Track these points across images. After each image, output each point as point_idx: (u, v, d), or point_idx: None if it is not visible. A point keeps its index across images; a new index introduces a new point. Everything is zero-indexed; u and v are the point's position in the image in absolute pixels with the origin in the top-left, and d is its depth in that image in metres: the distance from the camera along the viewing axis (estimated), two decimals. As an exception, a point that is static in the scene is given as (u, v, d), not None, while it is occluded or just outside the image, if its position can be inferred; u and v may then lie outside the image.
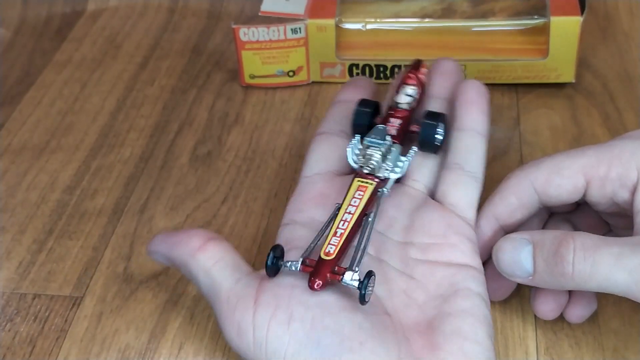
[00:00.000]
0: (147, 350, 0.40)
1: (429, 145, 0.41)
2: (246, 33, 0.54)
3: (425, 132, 0.40)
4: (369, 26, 0.56)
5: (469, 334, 0.35)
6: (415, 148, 0.40)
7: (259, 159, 0.51)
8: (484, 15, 0.56)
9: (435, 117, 0.41)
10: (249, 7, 0.62)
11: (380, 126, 0.40)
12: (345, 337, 0.34)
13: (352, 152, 0.40)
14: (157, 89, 0.57)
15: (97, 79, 0.59)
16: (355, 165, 0.39)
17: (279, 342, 0.34)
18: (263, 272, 0.36)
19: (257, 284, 0.36)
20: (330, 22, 0.54)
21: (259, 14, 0.55)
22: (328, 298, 0.35)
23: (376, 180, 0.38)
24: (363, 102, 0.42)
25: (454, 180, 0.40)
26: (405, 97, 0.42)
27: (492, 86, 0.54)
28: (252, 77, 0.56)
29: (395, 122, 0.41)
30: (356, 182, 0.38)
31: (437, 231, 0.38)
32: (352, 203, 0.37)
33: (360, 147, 0.40)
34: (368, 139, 0.39)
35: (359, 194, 0.37)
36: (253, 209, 0.47)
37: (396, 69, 0.55)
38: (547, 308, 0.39)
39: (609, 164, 0.37)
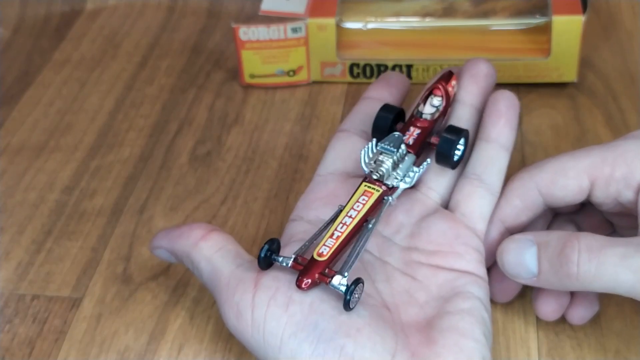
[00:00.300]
0: (147, 351, 0.40)
1: (446, 160, 0.40)
2: (246, 32, 0.54)
3: (443, 146, 0.40)
4: (369, 25, 0.56)
5: (466, 331, 0.35)
6: (429, 160, 0.40)
7: (258, 159, 0.51)
8: (485, 15, 0.55)
9: (456, 132, 0.40)
10: (249, 6, 0.61)
11: (397, 133, 0.40)
12: (343, 323, 0.34)
13: (365, 156, 0.39)
14: (157, 89, 0.57)
15: (96, 79, 0.58)
16: (366, 170, 0.39)
17: (277, 324, 0.34)
18: None
19: (258, 269, 0.36)
20: (331, 21, 0.54)
21: (259, 13, 0.55)
22: (328, 288, 0.35)
23: (383, 187, 0.38)
24: (385, 108, 0.41)
25: (470, 191, 0.40)
26: (430, 107, 0.41)
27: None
28: (252, 76, 0.56)
29: (414, 132, 0.40)
30: (363, 187, 0.38)
31: (443, 240, 0.38)
32: (354, 207, 0.37)
33: (374, 151, 0.39)
34: (382, 145, 0.39)
35: (363, 199, 0.37)
36: (253, 210, 0.47)
37: (397, 69, 0.55)
38: (548, 309, 0.39)
39: (613, 164, 0.37)
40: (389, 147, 0.39)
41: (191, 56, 0.60)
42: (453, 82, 0.42)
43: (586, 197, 0.38)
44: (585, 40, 0.52)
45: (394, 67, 0.55)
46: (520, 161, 0.49)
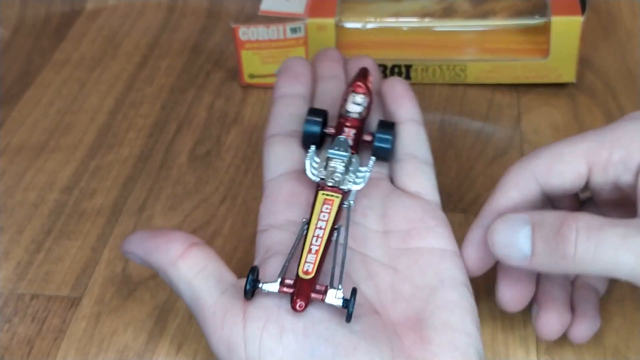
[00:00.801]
0: (146, 351, 0.40)
1: (384, 155, 0.41)
2: (246, 32, 0.54)
3: (380, 142, 0.40)
4: (369, 25, 0.56)
5: (458, 325, 0.34)
6: (374, 158, 0.40)
7: (258, 159, 0.51)
8: (484, 15, 0.55)
9: (388, 127, 0.41)
10: (248, 6, 0.61)
11: (342, 137, 0.40)
12: (339, 344, 0.33)
13: (310, 165, 0.39)
14: (156, 89, 0.57)
15: (96, 79, 0.58)
16: (315, 178, 0.38)
17: (273, 356, 0.33)
18: None
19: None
20: (330, 21, 0.54)
21: (259, 13, 0.55)
22: (317, 305, 0.34)
23: (340, 192, 0.38)
24: (313, 112, 0.41)
25: (412, 169, 0.40)
26: (356, 106, 0.41)
27: (492, 86, 0.55)
28: (252, 76, 0.56)
29: (349, 132, 0.40)
30: (321, 196, 0.37)
31: (414, 216, 0.38)
32: (321, 218, 0.36)
33: (318, 159, 0.39)
34: (331, 151, 0.39)
35: (327, 208, 0.37)
36: (252, 209, 0.47)
37: (396, 69, 0.55)
38: (550, 330, 0.38)
39: (611, 147, 0.36)
40: (340, 152, 0.39)
41: (191, 56, 0.60)
42: (371, 78, 0.43)
43: (584, 183, 0.37)
44: (585, 40, 0.52)
45: (393, 67, 0.55)
46: (520, 160, 0.49)
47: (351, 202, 0.38)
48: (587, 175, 0.37)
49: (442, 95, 0.55)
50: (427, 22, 0.56)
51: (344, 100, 0.42)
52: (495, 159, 0.50)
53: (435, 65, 0.54)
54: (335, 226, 0.36)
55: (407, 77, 0.55)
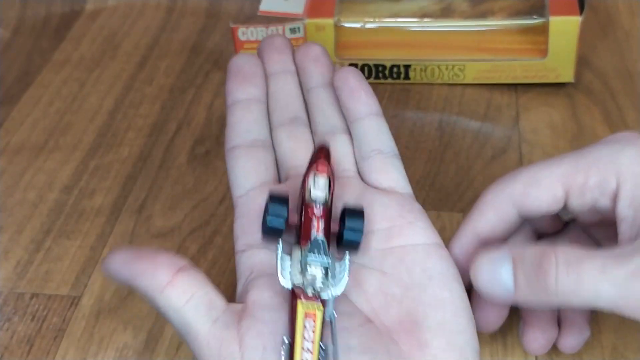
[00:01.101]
0: (145, 349, 0.40)
1: (355, 247, 0.36)
2: (245, 32, 0.54)
3: (351, 236, 0.36)
4: (368, 26, 0.56)
5: (452, 325, 0.34)
6: (348, 256, 0.35)
7: (257, 159, 0.51)
8: (483, 15, 0.56)
9: (358, 215, 0.36)
10: (248, 6, 0.62)
11: (319, 238, 0.34)
12: None
13: (281, 267, 0.34)
14: (156, 89, 0.57)
15: (96, 79, 0.58)
16: (288, 286, 0.34)
17: None
18: (239, 306, 0.34)
19: (237, 323, 0.34)
20: (329, 21, 0.54)
21: (258, 13, 0.55)
22: None
23: (320, 301, 0.33)
24: (274, 200, 0.36)
25: (381, 165, 0.39)
26: (320, 191, 0.36)
27: (491, 86, 0.55)
28: (251, 76, 0.56)
29: (319, 225, 0.35)
30: (301, 309, 0.33)
31: (392, 213, 0.37)
32: (306, 338, 0.32)
33: (289, 261, 0.34)
34: (310, 258, 0.34)
35: (310, 325, 0.32)
36: (251, 208, 0.47)
37: (394, 69, 0.55)
38: (536, 346, 0.38)
39: (587, 171, 0.36)
40: (319, 258, 0.34)
41: (190, 56, 0.60)
42: (332, 160, 0.38)
43: (562, 206, 0.37)
44: (583, 39, 0.52)
45: (391, 67, 0.55)
46: (518, 160, 0.49)
47: (333, 315, 0.34)
48: (563, 199, 0.37)
49: (440, 95, 0.55)
50: (426, 22, 0.56)
51: (306, 182, 0.36)
52: (494, 158, 0.50)
53: (434, 65, 0.55)
54: (322, 345, 0.33)
55: (406, 77, 0.55)
